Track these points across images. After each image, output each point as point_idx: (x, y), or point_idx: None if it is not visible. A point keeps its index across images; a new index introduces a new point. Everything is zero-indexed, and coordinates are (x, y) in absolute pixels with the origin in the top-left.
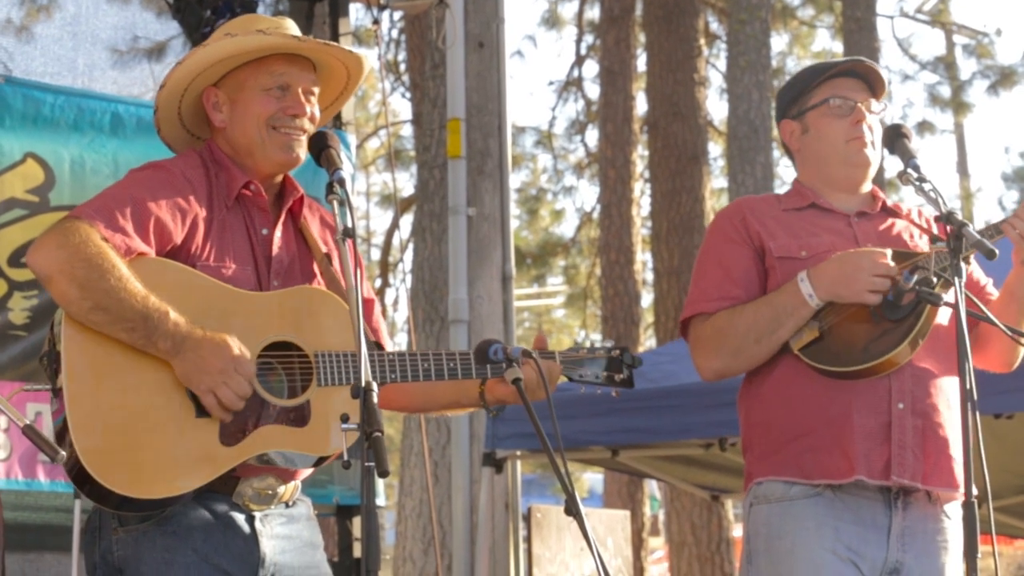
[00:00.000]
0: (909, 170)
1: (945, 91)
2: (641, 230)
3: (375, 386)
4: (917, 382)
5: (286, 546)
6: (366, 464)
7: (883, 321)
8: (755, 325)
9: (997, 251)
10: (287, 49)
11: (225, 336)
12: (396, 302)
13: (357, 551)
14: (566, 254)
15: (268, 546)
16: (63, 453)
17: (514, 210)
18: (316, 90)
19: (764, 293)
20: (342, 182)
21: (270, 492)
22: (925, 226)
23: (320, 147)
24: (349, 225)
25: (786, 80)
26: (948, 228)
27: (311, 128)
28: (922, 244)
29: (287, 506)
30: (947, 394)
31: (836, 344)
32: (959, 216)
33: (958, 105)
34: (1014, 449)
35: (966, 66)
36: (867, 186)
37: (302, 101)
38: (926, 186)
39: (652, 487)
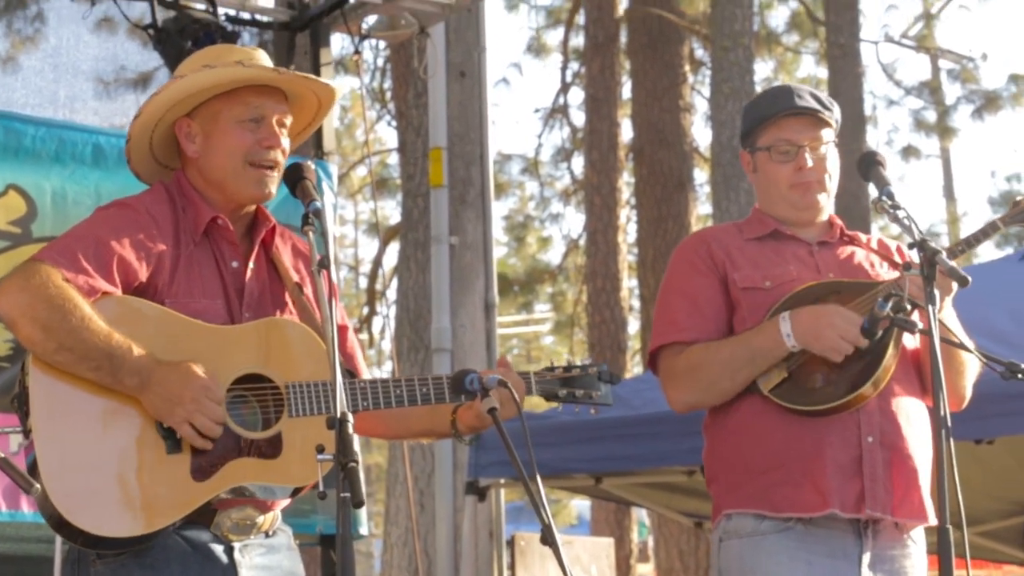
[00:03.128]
0: (884, 197)
1: (930, 116)
2: (627, 257)
3: (350, 416)
4: (885, 414)
5: None
6: (342, 495)
7: (848, 358)
8: (731, 363)
9: (970, 279)
10: (266, 81)
11: (189, 364)
12: (383, 330)
13: None
14: (553, 281)
15: None
16: (37, 485)
17: (501, 237)
18: (288, 121)
19: (731, 324)
20: (318, 213)
21: (248, 522)
22: (884, 254)
23: (296, 179)
24: (324, 255)
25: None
26: (921, 255)
27: (283, 160)
28: (882, 272)
29: (267, 536)
30: (915, 424)
31: (804, 383)
32: (932, 244)
33: (943, 130)
34: (997, 474)
35: (951, 91)
36: (824, 216)
37: (276, 133)
38: (900, 213)
39: (641, 513)
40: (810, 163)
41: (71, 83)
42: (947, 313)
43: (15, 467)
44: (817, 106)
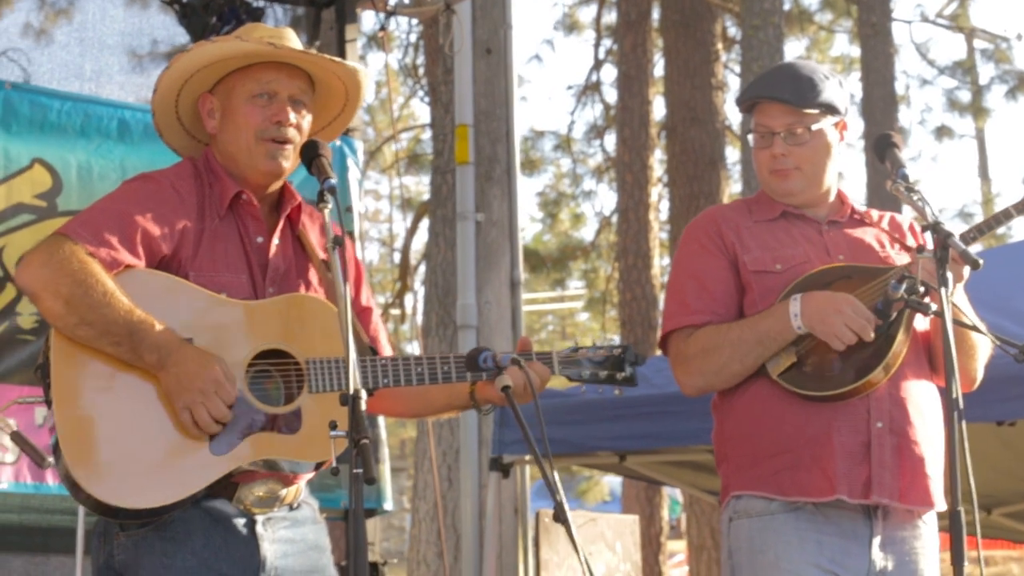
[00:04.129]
0: (898, 179)
1: (964, 96)
2: (659, 234)
3: (363, 393)
4: (894, 400)
5: (288, 550)
6: (354, 471)
7: (859, 342)
8: (740, 346)
9: (982, 261)
10: (268, 57)
11: (212, 355)
12: (414, 306)
13: (369, 554)
14: (586, 258)
15: (269, 550)
16: (50, 459)
17: (535, 213)
18: (306, 100)
19: (741, 306)
20: (333, 190)
21: (271, 496)
22: (895, 233)
23: (311, 156)
24: (341, 233)
25: None
26: (935, 238)
27: (297, 137)
28: (892, 252)
29: (291, 508)
30: (924, 409)
31: (813, 368)
32: (944, 226)
33: (977, 110)
34: (1022, 455)
35: (985, 71)
36: (831, 195)
37: (286, 108)
38: (914, 195)
39: (674, 491)
40: (780, 150)
41: (97, 57)
42: (958, 295)
43: (29, 442)
44: (789, 96)
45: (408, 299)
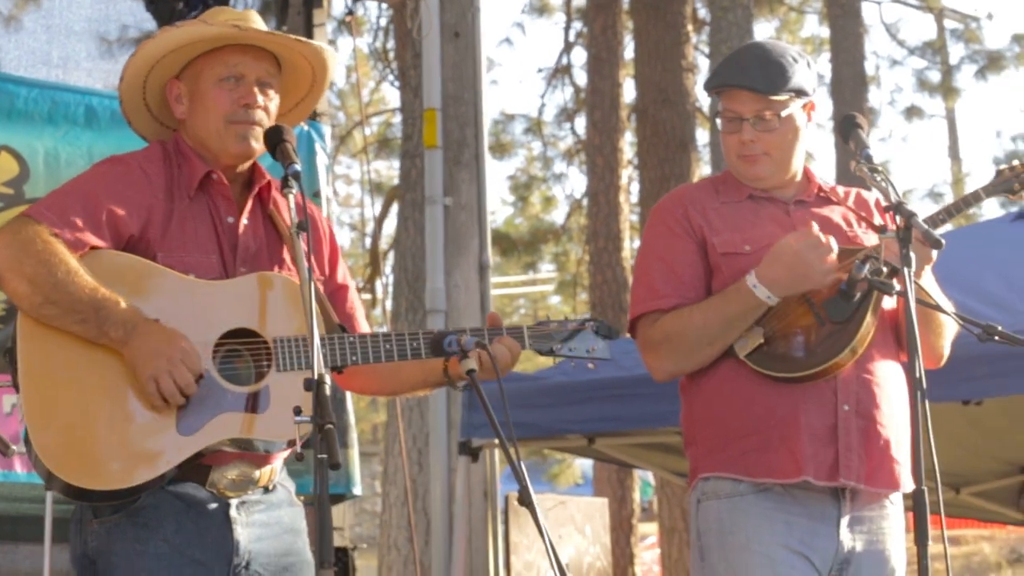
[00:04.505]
0: (861, 160)
1: (934, 76)
2: (630, 217)
3: (328, 378)
4: (861, 383)
5: (263, 533)
6: (319, 456)
7: (827, 323)
8: (705, 329)
9: (944, 242)
10: (233, 39)
11: (178, 332)
12: (385, 291)
13: (336, 540)
14: (557, 241)
15: (243, 534)
16: (14, 447)
17: (506, 196)
18: (273, 83)
19: (709, 289)
20: (297, 175)
21: (244, 478)
22: (861, 210)
23: (275, 141)
24: (304, 218)
25: None
26: (898, 218)
27: (265, 119)
28: (859, 231)
29: (265, 491)
30: (891, 391)
31: (780, 349)
32: (907, 206)
33: (947, 90)
34: (991, 435)
35: (955, 51)
36: (798, 175)
37: (254, 91)
38: (877, 176)
39: (646, 473)
40: (749, 136)
41: (64, 44)
42: (926, 275)
43: None
44: (757, 84)
45: (379, 284)
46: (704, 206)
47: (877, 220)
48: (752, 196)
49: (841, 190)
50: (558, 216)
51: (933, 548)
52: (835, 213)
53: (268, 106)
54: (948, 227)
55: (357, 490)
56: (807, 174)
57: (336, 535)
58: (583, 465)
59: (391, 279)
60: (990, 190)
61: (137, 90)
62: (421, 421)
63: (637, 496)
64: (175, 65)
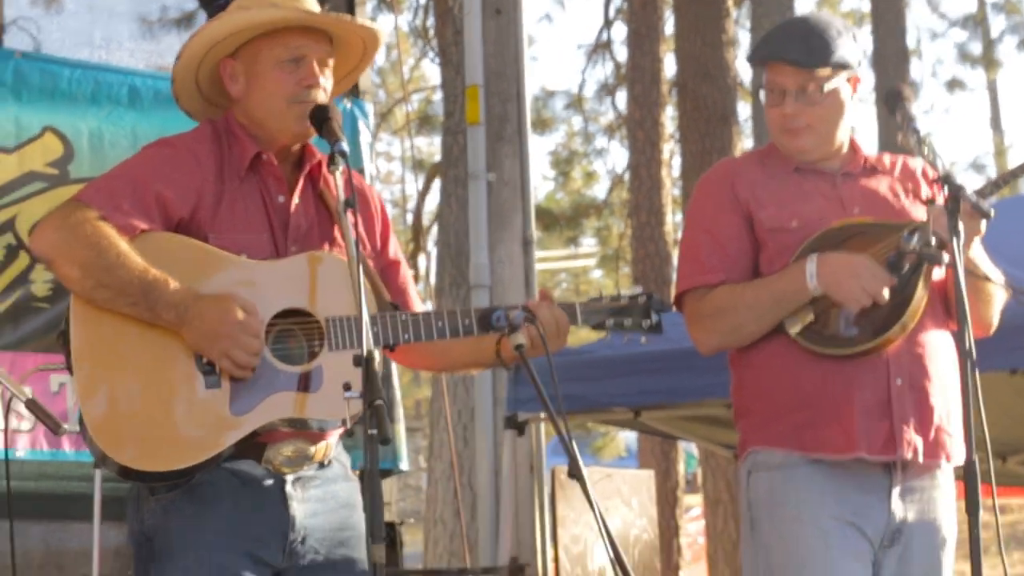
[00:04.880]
0: (909, 133)
1: (976, 48)
2: (672, 191)
3: (377, 354)
4: (913, 356)
5: (318, 508)
6: (368, 432)
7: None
8: (755, 307)
9: (992, 212)
10: (299, 23)
11: (226, 296)
12: (427, 267)
13: (385, 514)
14: (599, 215)
15: (299, 510)
16: (65, 426)
17: (548, 172)
18: (331, 62)
19: (755, 263)
20: (343, 153)
21: (300, 455)
22: (908, 180)
23: (321, 119)
24: (352, 195)
25: None
26: (946, 190)
27: (324, 100)
28: (907, 203)
29: (321, 466)
30: (942, 363)
31: (831, 326)
32: (956, 178)
33: (989, 62)
34: None
35: (996, 23)
36: (844, 147)
37: (316, 72)
38: (925, 148)
39: (689, 445)
40: (791, 110)
41: (107, 24)
42: (974, 245)
43: (44, 408)
44: (800, 57)
45: (421, 260)
46: (751, 180)
47: (924, 190)
48: (798, 169)
49: (887, 159)
50: (599, 191)
51: (983, 517)
52: (882, 185)
53: (327, 86)
54: (993, 199)
55: (404, 465)
56: (853, 146)
57: (384, 510)
58: (627, 438)
59: (434, 255)
60: None
61: (192, 69)
62: (466, 396)
63: (682, 468)
64: (231, 44)
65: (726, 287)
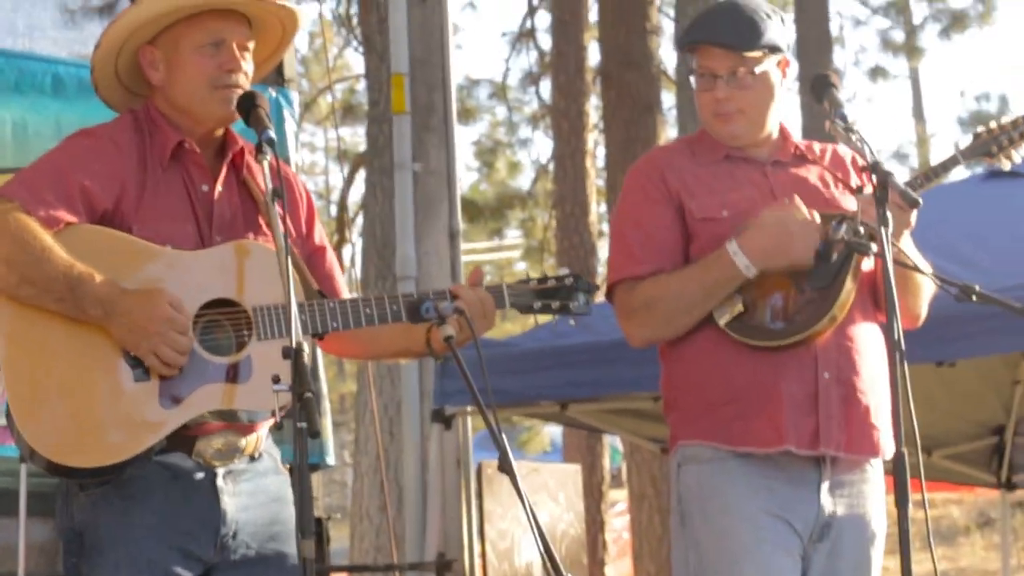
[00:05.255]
0: (837, 119)
1: (898, 36)
2: (596, 181)
3: (306, 346)
4: (841, 349)
5: (249, 502)
6: (298, 425)
7: (806, 290)
8: (683, 296)
9: (921, 200)
10: (217, 5)
11: (155, 291)
12: (353, 258)
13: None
14: (523, 206)
15: (230, 504)
16: None
17: (471, 162)
18: (251, 45)
19: (686, 254)
20: (271, 142)
21: (230, 448)
22: (838, 169)
23: (248, 107)
24: (278, 185)
25: None
26: (874, 178)
27: (246, 83)
28: (836, 192)
29: (251, 459)
30: (870, 356)
31: (759, 317)
32: (883, 166)
33: (911, 50)
34: (963, 396)
35: (918, 10)
36: (774, 133)
37: (236, 56)
38: (853, 136)
39: (615, 440)
40: (723, 94)
41: (30, 12)
42: (904, 236)
43: None
44: (731, 40)
45: (346, 252)
46: (681, 169)
47: (854, 179)
48: (729, 156)
49: (817, 147)
50: (524, 182)
51: (911, 512)
52: (812, 174)
53: (247, 69)
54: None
55: (330, 459)
56: (783, 132)
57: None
58: (552, 432)
59: (359, 246)
60: (968, 153)
61: (111, 58)
62: (392, 390)
63: (607, 463)
64: (150, 31)
65: (655, 279)
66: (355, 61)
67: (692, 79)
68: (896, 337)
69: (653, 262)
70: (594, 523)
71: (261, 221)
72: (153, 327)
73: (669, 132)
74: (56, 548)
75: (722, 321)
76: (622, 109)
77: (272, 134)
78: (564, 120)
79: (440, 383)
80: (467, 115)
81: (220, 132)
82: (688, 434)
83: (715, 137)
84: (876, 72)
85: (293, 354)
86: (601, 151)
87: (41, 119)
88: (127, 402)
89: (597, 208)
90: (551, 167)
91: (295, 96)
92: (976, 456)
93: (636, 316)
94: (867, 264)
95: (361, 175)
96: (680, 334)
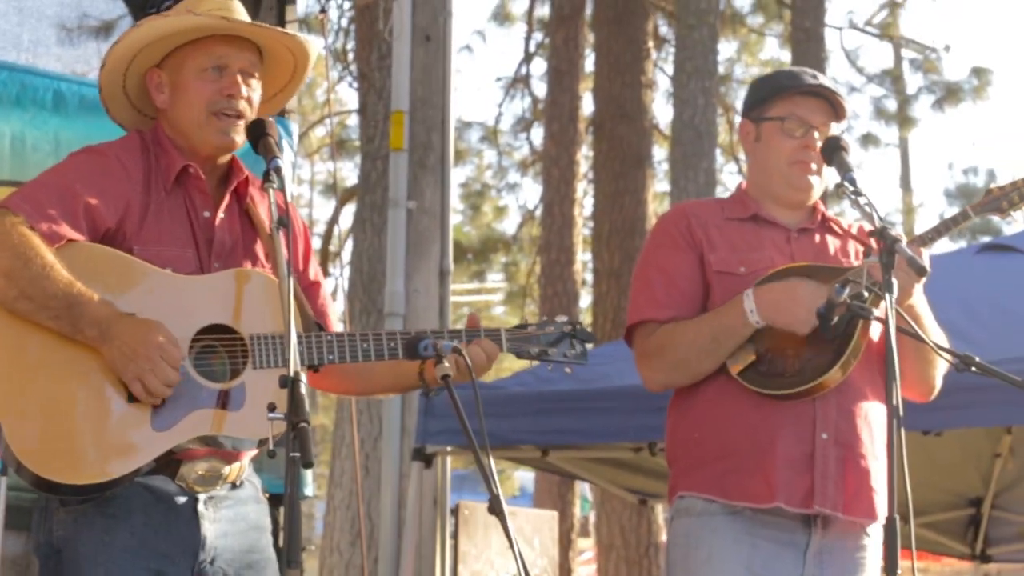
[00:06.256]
0: (845, 183)
1: (891, 105)
2: (583, 230)
3: (303, 376)
4: (842, 411)
5: (229, 529)
6: (291, 455)
7: (817, 341)
8: (696, 343)
9: (929, 269)
10: (218, 30)
11: (152, 322)
12: (335, 292)
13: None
14: (507, 251)
15: (210, 530)
16: None
17: (457, 204)
18: (256, 73)
19: (705, 305)
20: (279, 170)
21: (214, 474)
22: (863, 240)
23: (258, 135)
24: (284, 214)
25: (738, 85)
26: (881, 243)
27: (248, 111)
28: (855, 263)
29: (233, 487)
30: (871, 420)
31: (772, 366)
32: (892, 231)
33: (903, 119)
34: (943, 467)
35: (913, 80)
36: (810, 201)
37: (238, 82)
38: (861, 200)
39: (584, 488)
40: (814, 147)
41: (35, 28)
42: (919, 301)
43: None
44: (834, 90)
45: (328, 284)
46: (707, 221)
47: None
48: (756, 217)
49: (845, 223)
50: (509, 226)
51: None
52: (834, 243)
53: (251, 96)
54: (932, 249)
55: (309, 491)
56: (814, 204)
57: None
58: (522, 478)
59: (343, 280)
60: (979, 209)
61: (117, 78)
62: (371, 425)
63: (577, 511)
64: (157, 54)
65: (672, 324)
66: (347, 96)
67: (768, 124)
68: (895, 402)
69: (673, 307)
70: (562, 570)
71: (260, 251)
72: (144, 352)
73: (658, 185)
74: (28, 562)
75: (734, 369)
76: (612, 160)
77: (280, 162)
78: (555, 167)
79: (424, 421)
80: (457, 157)
81: (225, 160)
82: (685, 485)
83: (785, 185)
84: (867, 139)
85: (291, 383)
86: (589, 200)
87: (40, 134)
88: (119, 422)
89: (582, 256)
90: (538, 213)
91: (295, 126)
92: (952, 526)
93: (652, 360)
94: (877, 332)
95: (348, 209)
96: (692, 381)
